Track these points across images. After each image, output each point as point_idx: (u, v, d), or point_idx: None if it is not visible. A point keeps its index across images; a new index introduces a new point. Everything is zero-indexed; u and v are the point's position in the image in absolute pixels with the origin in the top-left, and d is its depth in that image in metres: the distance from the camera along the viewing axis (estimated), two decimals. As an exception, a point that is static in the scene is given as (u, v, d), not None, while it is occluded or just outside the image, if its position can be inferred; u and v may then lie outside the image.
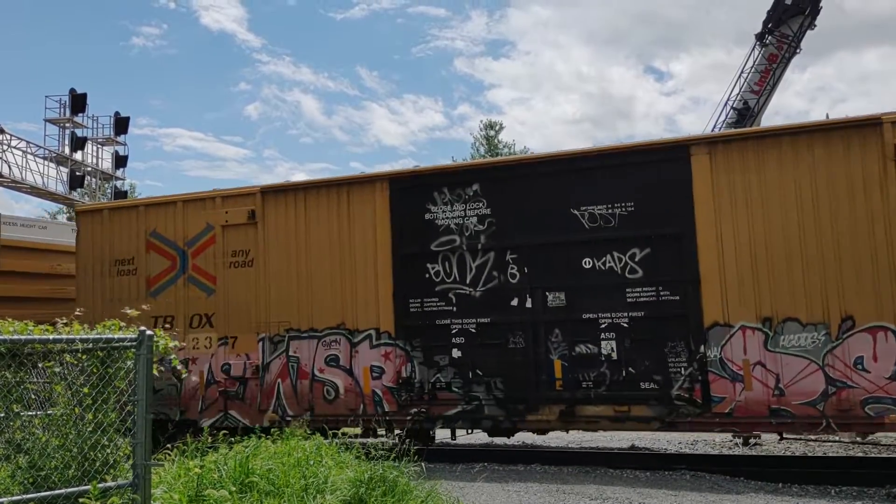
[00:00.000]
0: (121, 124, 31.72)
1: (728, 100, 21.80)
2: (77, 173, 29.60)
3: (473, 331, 11.29)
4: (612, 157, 10.91)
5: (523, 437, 13.19)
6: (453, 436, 12.22)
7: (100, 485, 5.01)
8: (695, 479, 10.13)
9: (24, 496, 4.93)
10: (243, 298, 12.63)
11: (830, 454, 12.23)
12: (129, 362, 5.27)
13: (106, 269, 13.53)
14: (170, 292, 13.10)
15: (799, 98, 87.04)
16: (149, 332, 5.19)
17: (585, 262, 10.80)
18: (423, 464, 11.53)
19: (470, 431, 12.32)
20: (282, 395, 12.24)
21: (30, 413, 5.36)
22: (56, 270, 15.59)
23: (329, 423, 11.76)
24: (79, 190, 30.62)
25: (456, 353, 11.36)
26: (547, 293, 10.96)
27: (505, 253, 11.23)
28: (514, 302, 11.12)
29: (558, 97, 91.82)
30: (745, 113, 21.17)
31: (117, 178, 33.02)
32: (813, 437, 11.67)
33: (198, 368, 12.72)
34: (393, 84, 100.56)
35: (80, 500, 4.95)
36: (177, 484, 5.82)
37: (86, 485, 5.05)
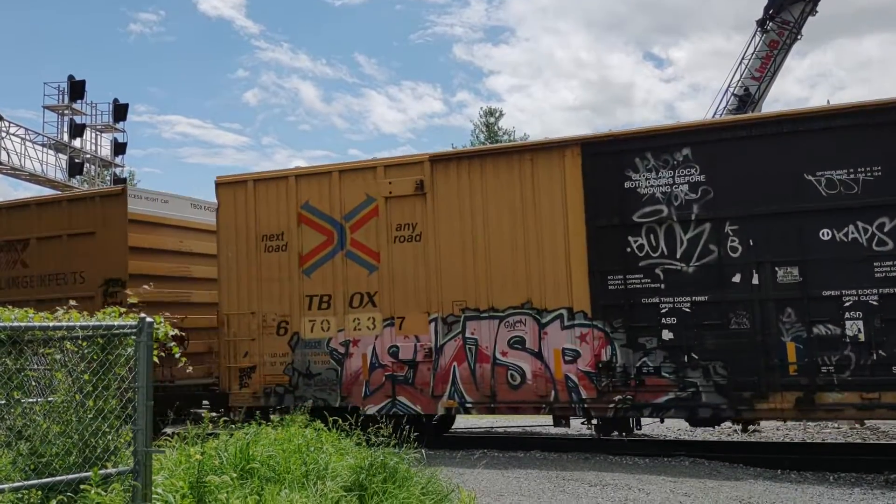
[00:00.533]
0: (120, 111, 31.69)
1: (729, 86, 21.74)
2: (76, 160, 29.59)
3: (687, 310, 10.27)
4: (854, 116, 9.81)
5: (522, 424, 13.23)
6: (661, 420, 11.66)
7: (101, 471, 5.03)
8: (693, 465, 10.18)
9: (26, 482, 4.94)
10: (411, 276, 11.72)
11: (829, 440, 12.28)
12: (129, 349, 5.28)
13: (252, 246, 12.66)
14: (326, 270, 12.22)
15: (799, 85, 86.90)
16: (148, 319, 5.19)
17: (823, 234, 9.76)
18: (423, 450, 11.62)
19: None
20: (458, 381, 11.38)
21: (30, 400, 5.37)
22: (180, 247, 14.77)
23: (514, 410, 11.28)
24: (78, 177, 30.60)
25: (667, 334, 10.34)
26: (776, 268, 9.94)
27: (723, 224, 10.19)
28: (736, 278, 10.11)
29: (557, 84, 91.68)
30: (746, 99, 21.11)
31: (116, 166, 33.00)
32: (812, 423, 11.68)
33: (360, 351, 11.91)
34: (392, 71, 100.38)
35: (81, 486, 4.97)
36: (178, 470, 5.84)
37: (87, 471, 5.06)
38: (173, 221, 14.72)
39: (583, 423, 11.91)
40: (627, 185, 10.63)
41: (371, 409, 11.56)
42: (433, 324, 11.57)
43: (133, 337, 5.20)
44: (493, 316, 11.26)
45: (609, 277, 10.65)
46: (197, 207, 15.31)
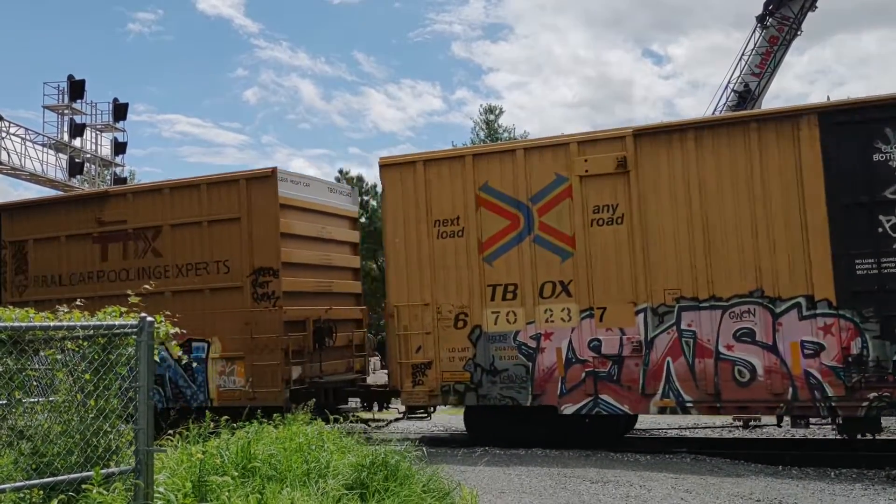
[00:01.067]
0: (119, 111, 31.66)
1: (729, 82, 21.72)
2: (76, 160, 29.56)
3: None
4: None
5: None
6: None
7: (102, 471, 5.03)
8: (695, 462, 10.18)
9: (28, 482, 4.95)
10: (612, 262, 10.76)
11: (830, 437, 12.28)
12: (130, 349, 5.28)
13: (423, 231, 11.76)
14: (510, 257, 11.29)
15: (799, 81, 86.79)
16: (149, 319, 5.19)
17: None
18: (424, 448, 11.62)
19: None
20: (674, 378, 10.39)
21: (32, 400, 5.38)
22: (321, 234, 14.02)
23: (743, 409, 10.51)
24: (78, 177, 30.58)
25: None
26: None
27: None
28: None
29: (556, 81, 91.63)
30: (746, 96, 21.09)
31: (116, 165, 32.98)
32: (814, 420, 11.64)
33: (553, 345, 10.98)
34: (391, 69, 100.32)
35: (83, 485, 4.98)
36: (179, 469, 5.85)
37: (88, 471, 5.07)
38: (316, 206, 13.99)
39: (832, 426, 11.33)
40: (877, 157, 9.64)
41: (569, 409, 10.82)
42: (641, 315, 10.60)
43: (134, 336, 5.20)
44: (715, 306, 10.24)
45: (857, 261, 9.61)
46: (332, 191, 14.67)
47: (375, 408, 13.33)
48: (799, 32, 21.38)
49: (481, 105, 63.79)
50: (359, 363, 14.60)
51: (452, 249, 11.61)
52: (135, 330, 5.16)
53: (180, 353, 5.69)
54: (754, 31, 21.64)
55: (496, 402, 11.12)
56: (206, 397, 12.88)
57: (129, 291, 5.96)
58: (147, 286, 7.11)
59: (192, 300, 13.02)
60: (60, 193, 14.59)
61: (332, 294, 14.07)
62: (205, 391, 12.93)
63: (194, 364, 12.89)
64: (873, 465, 9.70)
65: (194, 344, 12.88)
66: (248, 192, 12.85)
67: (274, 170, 12.92)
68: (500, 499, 8.25)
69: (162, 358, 12.41)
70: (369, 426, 13.08)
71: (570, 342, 10.92)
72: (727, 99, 21.57)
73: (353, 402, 13.64)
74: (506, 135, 40.60)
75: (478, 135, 41.62)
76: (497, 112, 42.11)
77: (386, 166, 12.17)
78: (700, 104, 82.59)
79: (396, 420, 13.13)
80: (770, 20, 21.27)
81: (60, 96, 29.51)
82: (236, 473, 5.91)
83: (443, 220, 11.71)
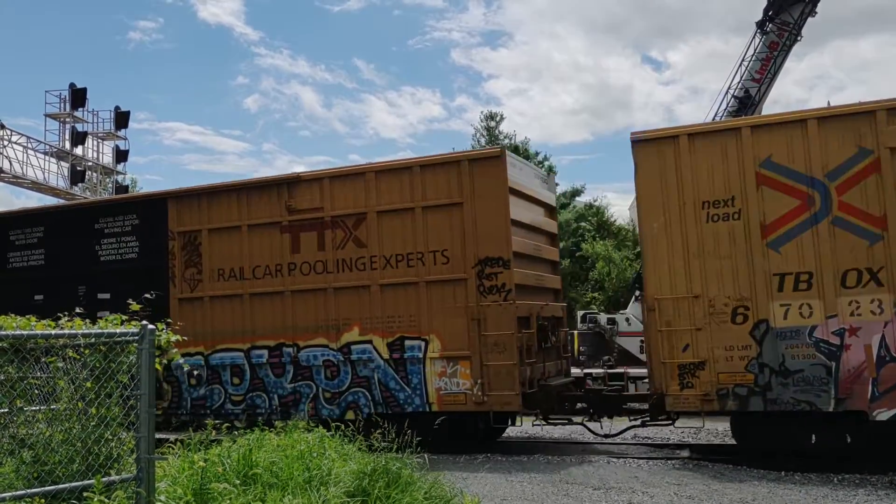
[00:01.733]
0: (121, 119, 31.69)
1: (729, 88, 21.74)
2: (78, 168, 29.60)
3: None
4: None
5: (526, 428, 13.19)
6: None
7: (104, 479, 5.03)
8: (697, 467, 10.16)
9: (29, 490, 4.95)
10: None
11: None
12: (131, 357, 5.29)
13: (688, 215, 10.58)
14: (802, 241, 10.06)
15: (798, 87, 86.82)
16: (150, 327, 5.19)
17: None
18: (426, 455, 11.59)
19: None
20: None
21: (33, 408, 5.38)
22: (534, 222, 13.10)
23: None
24: (80, 185, 30.63)
25: None
26: None
27: None
28: None
29: (556, 88, 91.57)
30: (747, 101, 21.09)
31: (118, 173, 33.02)
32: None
33: (860, 342, 9.73)
34: (391, 76, 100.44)
35: (85, 494, 4.98)
36: (181, 477, 5.84)
37: (90, 479, 5.07)
38: (530, 192, 12.90)
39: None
40: None
41: (883, 414, 9.63)
42: None
43: (135, 344, 5.20)
44: None
45: None
46: (536, 177, 13.70)
47: (601, 417, 12.15)
48: (799, 38, 21.38)
49: (482, 112, 63.92)
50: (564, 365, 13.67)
51: (726, 234, 10.40)
52: (136, 338, 5.16)
53: (182, 361, 5.66)
54: (754, 37, 21.66)
55: (789, 408, 9.92)
56: (423, 401, 11.72)
57: (130, 300, 5.91)
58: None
59: (404, 294, 12.00)
60: (240, 178, 13.42)
61: (543, 289, 13.08)
62: (421, 394, 11.76)
63: (408, 364, 11.85)
64: (877, 470, 9.68)
65: (407, 342, 11.90)
66: (471, 175, 11.70)
67: (502, 149, 11.99)
68: (503, 506, 8.23)
69: (369, 358, 12.04)
70: (597, 433, 12.27)
71: (883, 338, 9.68)
72: (728, 104, 21.57)
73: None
74: (507, 141, 40.63)
75: (479, 141, 41.66)
76: (498, 119, 42.18)
77: (641, 142, 10.92)
78: (700, 109, 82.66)
79: (630, 427, 12.02)
80: (770, 26, 21.28)
81: (62, 104, 29.56)
82: (238, 481, 5.90)
83: (713, 201, 10.50)
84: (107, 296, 13.72)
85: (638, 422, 11.72)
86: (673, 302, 10.57)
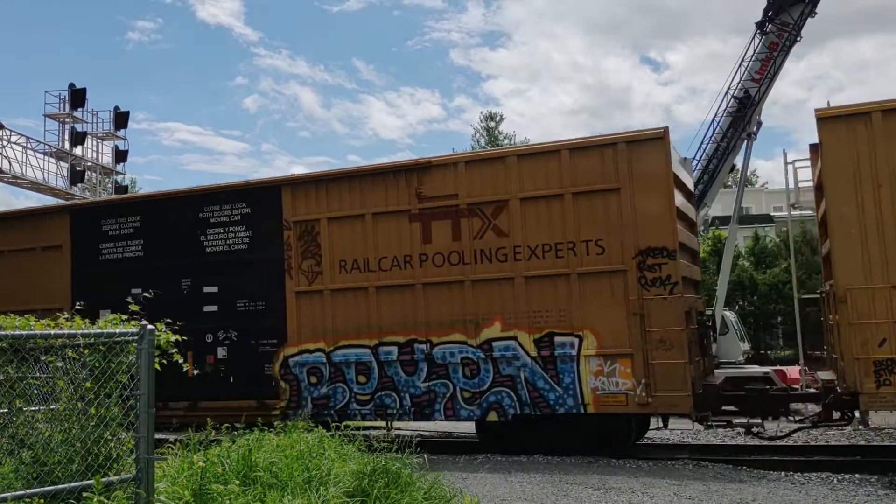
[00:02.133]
0: (120, 119, 31.70)
1: (729, 88, 21.69)
2: (77, 168, 29.60)
3: None
4: None
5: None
6: None
7: (103, 479, 5.03)
8: (697, 468, 10.15)
9: (28, 491, 4.94)
10: None
11: (833, 443, 12.25)
12: (131, 357, 5.28)
13: (885, 196, 9.79)
14: None
15: (797, 87, 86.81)
16: (150, 327, 5.19)
17: None
18: (425, 455, 11.57)
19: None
20: None
21: (33, 408, 5.37)
22: (687, 210, 12.38)
23: None
24: (80, 185, 30.63)
25: None
26: None
27: None
28: None
29: (555, 88, 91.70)
30: (746, 101, 21.03)
31: (118, 173, 33.03)
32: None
33: None
34: (390, 77, 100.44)
35: (84, 494, 4.97)
36: (180, 478, 5.83)
37: (89, 479, 5.06)
38: (682, 177, 12.10)
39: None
40: None
41: None
42: None
43: (134, 344, 5.19)
44: None
45: None
46: (678, 161, 12.46)
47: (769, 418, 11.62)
48: (799, 38, 21.31)
49: (482, 112, 63.98)
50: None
51: None
52: (135, 338, 5.15)
53: (181, 361, 5.66)
54: (754, 38, 21.62)
55: None
56: (577, 402, 10.92)
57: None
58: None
59: (552, 287, 11.21)
60: (360, 164, 12.40)
61: (693, 281, 12.35)
62: (575, 395, 10.96)
63: (559, 362, 11.04)
64: (876, 470, 9.68)
65: (557, 339, 11.09)
66: (628, 158, 10.90)
67: (665, 130, 10.97)
68: (502, 506, 8.22)
69: (514, 355, 11.27)
70: (762, 436, 11.82)
71: None
72: (727, 105, 21.53)
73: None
74: (507, 141, 40.65)
75: (478, 141, 41.73)
76: (497, 119, 42.23)
77: (827, 119, 10.17)
78: (700, 110, 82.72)
79: (801, 429, 11.69)
80: (770, 26, 21.23)
81: (61, 105, 29.57)
82: (237, 482, 5.89)
83: None
84: (214, 289, 13.11)
85: (808, 423, 11.29)
86: (867, 293, 9.71)
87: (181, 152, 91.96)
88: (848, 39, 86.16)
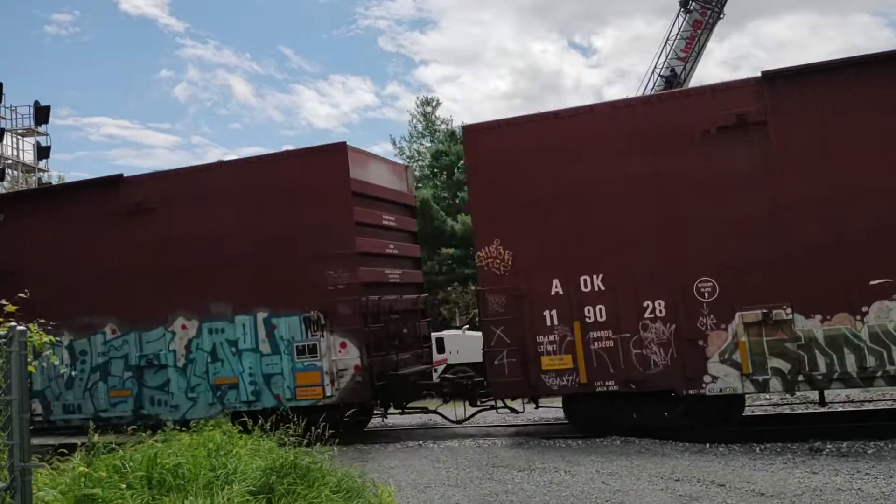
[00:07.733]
0: (41, 113, 30.52)
1: (655, 68, 21.95)
2: (-4, 166, 28.43)
3: None
4: None
5: (459, 416, 13.07)
6: None
7: (-26, 490, 4.70)
8: (624, 444, 10.18)
9: None
10: None
11: (758, 412, 12.46)
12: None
13: None
14: None
15: (723, 67, 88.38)
16: (20, 328, 4.85)
17: None
18: (358, 445, 11.38)
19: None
20: None
21: None
22: None
23: None
24: (1, 183, 29.42)
25: None
26: None
27: None
28: None
29: (487, 73, 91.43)
30: (673, 80, 21.32)
31: (41, 170, 31.82)
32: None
33: None
34: (322, 65, 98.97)
35: (-47, 508, 4.64)
36: (60, 485, 5.52)
37: (-40, 491, 4.73)
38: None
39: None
40: None
41: None
42: None
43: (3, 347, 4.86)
44: None
45: None
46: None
47: None
48: (722, 16, 21.69)
49: (418, 97, 63.43)
50: None
51: None
52: (3, 340, 4.82)
53: (57, 363, 5.34)
54: (678, 16, 21.92)
55: None
56: None
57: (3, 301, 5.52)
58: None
59: None
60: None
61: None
62: None
63: None
64: (798, 438, 9.84)
65: None
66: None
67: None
68: (425, 493, 8.09)
69: None
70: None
71: None
72: (654, 84, 21.79)
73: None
74: (444, 127, 40.43)
75: (415, 127, 41.43)
76: (434, 104, 41.91)
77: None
78: (628, 90, 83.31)
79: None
80: (693, 4, 21.52)
81: (-24, 101, 28.31)
82: (128, 484, 5.61)
83: None
84: None
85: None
86: None
87: (109, 147, 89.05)
88: (767, 19, 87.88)
